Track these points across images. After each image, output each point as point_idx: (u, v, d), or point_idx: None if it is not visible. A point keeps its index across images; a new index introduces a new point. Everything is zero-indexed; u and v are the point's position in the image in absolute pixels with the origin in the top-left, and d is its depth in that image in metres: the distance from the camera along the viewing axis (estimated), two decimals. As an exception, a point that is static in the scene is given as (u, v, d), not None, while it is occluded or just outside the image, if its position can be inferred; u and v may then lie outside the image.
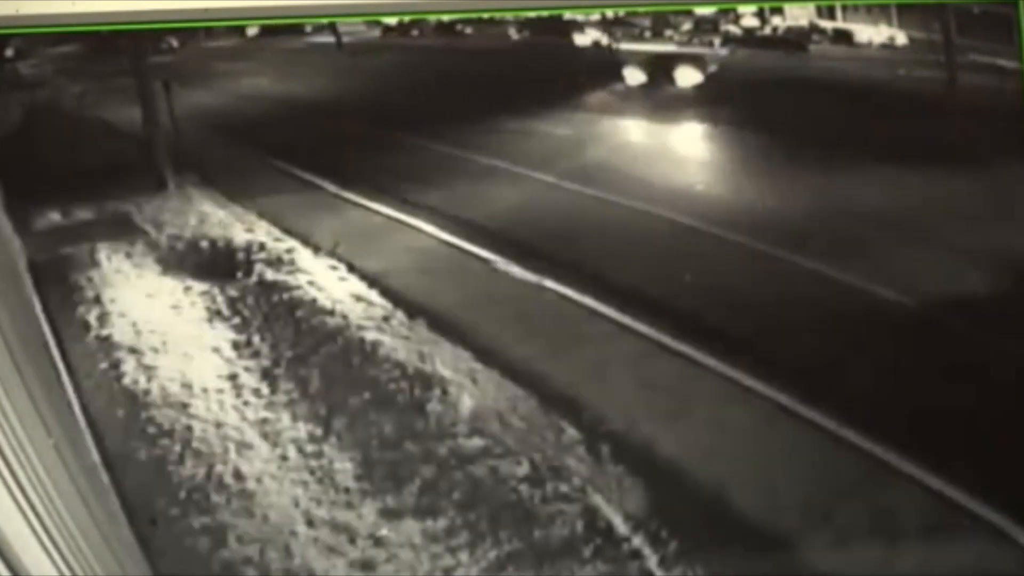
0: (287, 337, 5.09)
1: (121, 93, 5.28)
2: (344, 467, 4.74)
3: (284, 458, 4.76)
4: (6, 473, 3.58)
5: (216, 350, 5.05)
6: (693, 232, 5.45)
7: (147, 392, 4.86)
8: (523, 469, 4.72)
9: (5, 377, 3.82)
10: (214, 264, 5.30)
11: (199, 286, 5.22)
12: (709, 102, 6.12)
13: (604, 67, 6.28)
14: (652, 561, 4.44)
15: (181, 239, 5.30)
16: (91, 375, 4.67)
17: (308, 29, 5.66)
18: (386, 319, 5.22)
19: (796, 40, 5.93)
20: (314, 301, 5.24)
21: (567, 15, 5.90)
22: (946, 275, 5.19)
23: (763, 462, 4.74)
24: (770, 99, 5.80)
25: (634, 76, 6.37)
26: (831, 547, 4.48)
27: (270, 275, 5.31)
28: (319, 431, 4.83)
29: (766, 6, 5.88)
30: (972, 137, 5.30)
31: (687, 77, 6.29)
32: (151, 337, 5.03)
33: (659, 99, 6.24)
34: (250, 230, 5.44)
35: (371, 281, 5.36)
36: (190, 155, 5.46)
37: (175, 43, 5.37)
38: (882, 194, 5.46)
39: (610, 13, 5.90)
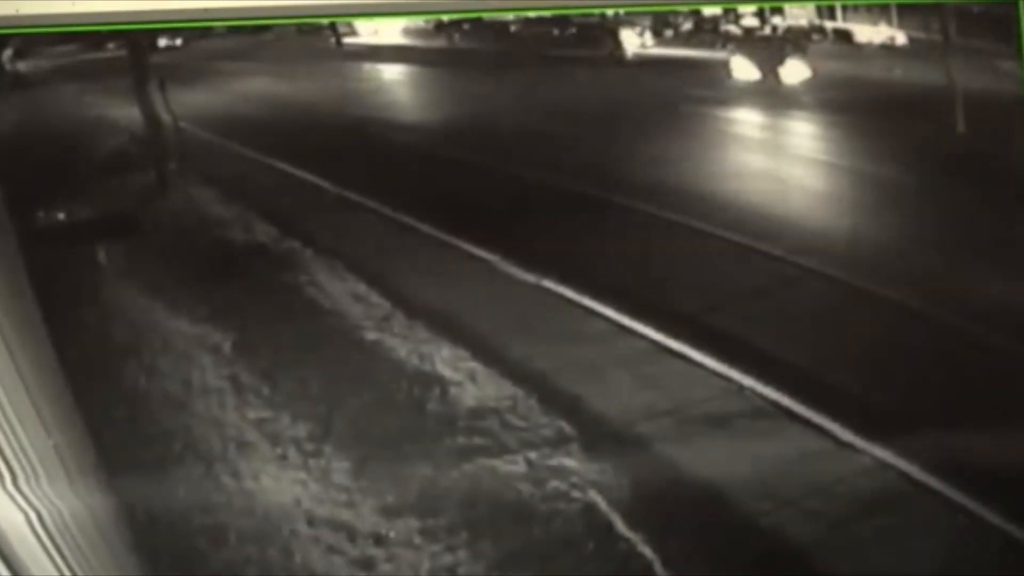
0: (287, 336, 5.09)
1: (121, 93, 5.27)
2: (344, 466, 4.75)
3: (284, 457, 4.77)
4: (6, 473, 3.59)
5: (216, 349, 5.05)
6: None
7: (147, 392, 4.86)
8: (522, 468, 4.74)
9: (5, 377, 3.83)
10: (214, 264, 5.30)
11: (199, 286, 5.22)
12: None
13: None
14: (652, 561, 4.46)
15: (181, 239, 5.31)
16: (91, 375, 4.66)
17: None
18: (385, 319, 5.23)
19: (795, 40, 5.92)
20: (313, 301, 5.25)
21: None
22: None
23: (765, 463, 4.76)
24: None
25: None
26: (834, 549, 4.50)
27: (271, 275, 5.32)
28: (319, 430, 4.84)
29: (766, 6, 5.87)
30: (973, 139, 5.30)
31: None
32: (151, 337, 5.03)
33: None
34: (249, 231, 5.44)
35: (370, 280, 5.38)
36: (191, 155, 5.46)
37: (172, 42, 5.36)
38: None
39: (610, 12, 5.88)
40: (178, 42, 5.35)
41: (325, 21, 5.28)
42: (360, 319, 5.20)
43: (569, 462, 4.79)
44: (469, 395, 4.96)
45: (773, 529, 4.58)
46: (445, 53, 5.68)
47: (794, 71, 5.80)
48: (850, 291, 5.22)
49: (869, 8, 5.76)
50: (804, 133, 5.64)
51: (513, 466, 4.76)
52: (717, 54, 5.84)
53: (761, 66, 5.84)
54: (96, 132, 5.25)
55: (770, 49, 5.87)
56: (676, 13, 5.95)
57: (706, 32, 5.97)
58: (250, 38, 5.47)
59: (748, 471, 4.72)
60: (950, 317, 5.12)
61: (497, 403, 4.95)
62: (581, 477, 4.73)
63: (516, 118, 5.51)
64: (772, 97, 5.76)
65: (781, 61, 5.84)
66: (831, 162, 5.59)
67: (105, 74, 5.23)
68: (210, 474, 4.69)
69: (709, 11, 5.96)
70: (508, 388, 5.00)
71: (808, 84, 5.70)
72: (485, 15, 5.52)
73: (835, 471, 4.75)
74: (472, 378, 5.03)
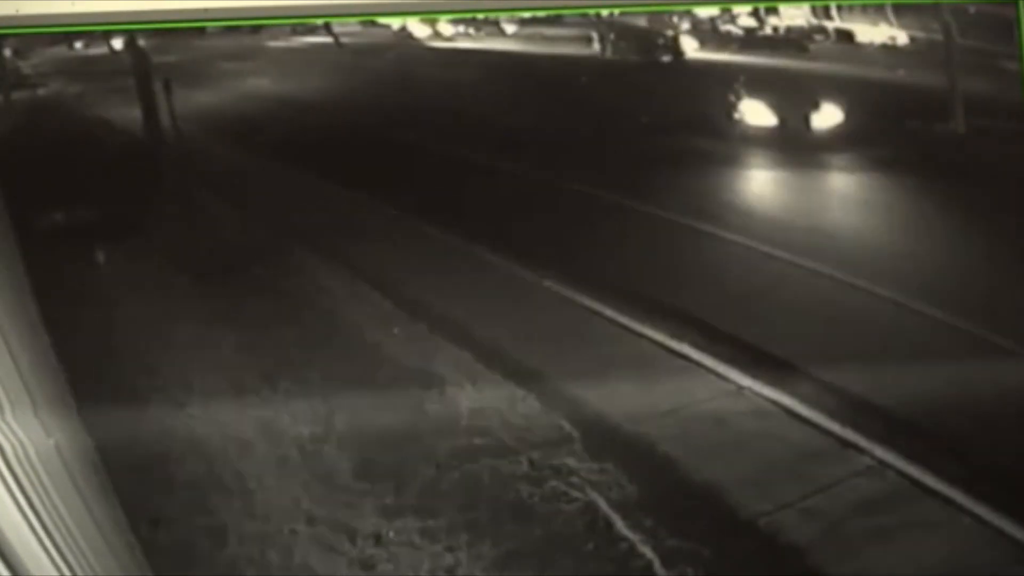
0: (288, 336, 5.09)
1: (121, 93, 5.27)
2: (344, 466, 4.74)
3: (284, 458, 4.76)
4: (6, 473, 3.58)
5: (216, 349, 5.05)
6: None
7: (147, 392, 4.86)
8: (523, 468, 4.74)
9: (5, 377, 3.82)
10: (214, 264, 5.30)
11: (200, 286, 5.22)
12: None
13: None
14: (652, 560, 4.46)
15: (182, 239, 5.31)
16: (91, 375, 4.66)
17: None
18: (386, 319, 5.23)
19: (796, 40, 5.92)
20: (314, 301, 5.25)
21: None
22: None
23: (766, 463, 4.77)
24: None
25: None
26: (831, 548, 4.50)
27: (271, 276, 5.31)
28: (319, 431, 4.84)
29: (764, 6, 5.87)
30: (974, 139, 5.31)
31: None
32: (151, 336, 5.03)
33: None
34: (249, 231, 5.45)
35: (371, 281, 5.38)
36: (190, 155, 5.46)
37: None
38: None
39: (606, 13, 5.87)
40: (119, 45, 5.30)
41: (323, 21, 5.28)
42: (361, 319, 5.20)
43: (569, 462, 4.78)
44: (469, 395, 4.96)
45: (773, 529, 4.58)
46: (451, 54, 5.68)
47: (828, 116, 5.48)
48: (850, 290, 5.24)
49: (865, 8, 5.76)
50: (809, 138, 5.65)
51: (513, 466, 4.76)
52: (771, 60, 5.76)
53: (783, 110, 5.55)
54: (96, 132, 5.25)
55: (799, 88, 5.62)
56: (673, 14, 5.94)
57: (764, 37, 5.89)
58: (250, 38, 5.47)
59: (748, 471, 4.73)
60: (951, 317, 5.13)
61: (497, 403, 4.95)
62: (581, 477, 4.73)
63: (520, 119, 5.51)
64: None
65: (815, 105, 5.58)
66: (831, 163, 5.60)
67: (105, 74, 5.23)
68: (211, 473, 4.69)
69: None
70: (509, 388, 5.00)
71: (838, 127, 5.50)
72: (484, 15, 5.52)
73: (836, 471, 4.75)
74: (473, 378, 5.03)
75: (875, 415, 4.88)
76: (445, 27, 5.71)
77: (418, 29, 5.68)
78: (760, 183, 5.61)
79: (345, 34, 5.58)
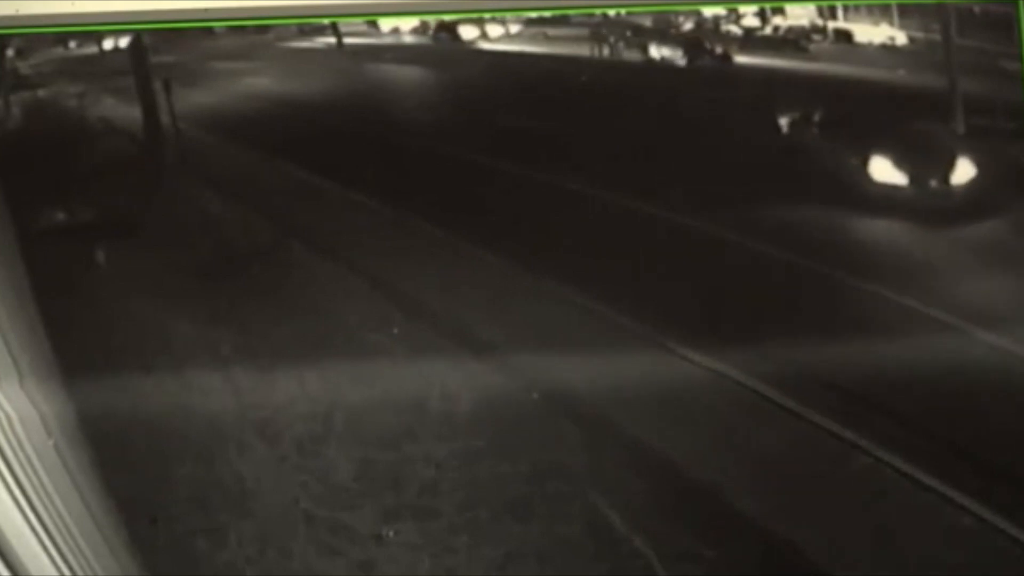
0: (288, 336, 5.10)
1: (121, 93, 5.28)
2: (344, 467, 4.75)
3: (284, 458, 4.77)
4: (6, 473, 3.59)
5: (216, 349, 5.05)
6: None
7: (147, 392, 4.86)
8: (523, 468, 4.74)
9: (4, 377, 3.84)
10: (214, 265, 5.31)
11: (199, 285, 5.23)
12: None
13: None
14: (652, 560, 4.46)
15: (181, 239, 5.31)
16: (91, 375, 4.67)
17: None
18: (387, 319, 5.23)
19: (796, 40, 5.90)
20: (314, 301, 5.26)
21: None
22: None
23: (765, 463, 4.77)
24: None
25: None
26: (831, 548, 4.50)
27: (271, 276, 5.32)
28: (319, 431, 4.84)
29: (766, 6, 5.86)
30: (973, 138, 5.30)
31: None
32: (151, 337, 5.04)
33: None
34: (249, 231, 5.45)
35: (372, 281, 5.38)
36: (190, 155, 5.47)
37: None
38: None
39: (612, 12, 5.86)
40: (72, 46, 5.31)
41: (326, 21, 5.28)
42: (361, 319, 5.20)
43: (569, 462, 4.79)
44: (469, 395, 4.96)
45: (773, 528, 4.59)
46: (463, 54, 5.67)
47: (963, 171, 5.15)
48: (848, 289, 5.23)
49: (870, 8, 5.75)
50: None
51: (513, 466, 4.76)
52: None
53: (914, 168, 5.25)
54: (96, 132, 5.26)
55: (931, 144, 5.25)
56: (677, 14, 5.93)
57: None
58: (250, 38, 5.48)
59: (750, 471, 4.73)
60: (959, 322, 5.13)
61: (497, 403, 4.96)
62: (581, 477, 4.74)
63: (525, 119, 5.50)
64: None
65: (951, 164, 5.17)
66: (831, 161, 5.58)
67: (105, 74, 5.24)
68: (211, 474, 4.70)
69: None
70: (509, 388, 5.00)
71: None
72: (485, 15, 5.52)
73: (837, 469, 4.75)
74: (473, 378, 5.03)
75: (877, 414, 4.88)
76: (491, 28, 5.70)
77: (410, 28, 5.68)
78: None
79: (347, 34, 5.59)
